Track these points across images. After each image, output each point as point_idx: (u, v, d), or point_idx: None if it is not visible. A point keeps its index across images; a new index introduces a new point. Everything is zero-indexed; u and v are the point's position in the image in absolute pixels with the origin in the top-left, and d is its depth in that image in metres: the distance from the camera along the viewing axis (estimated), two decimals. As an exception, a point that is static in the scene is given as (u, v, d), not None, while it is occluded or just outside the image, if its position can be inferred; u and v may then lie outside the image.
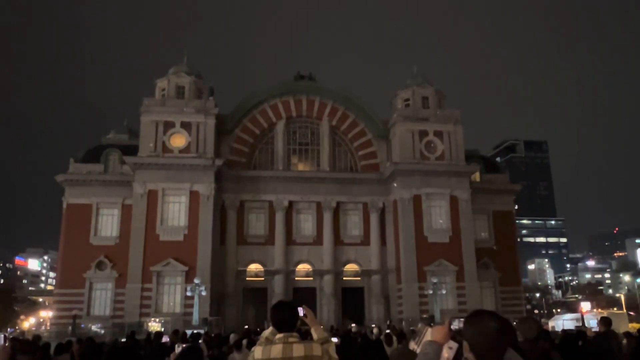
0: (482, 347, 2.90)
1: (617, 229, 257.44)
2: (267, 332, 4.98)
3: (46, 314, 77.90)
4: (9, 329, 74.74)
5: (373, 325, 34.17)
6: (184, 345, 11.97)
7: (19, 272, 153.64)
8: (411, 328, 29.26)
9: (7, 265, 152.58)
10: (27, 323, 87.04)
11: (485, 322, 2.93)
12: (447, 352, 3.07)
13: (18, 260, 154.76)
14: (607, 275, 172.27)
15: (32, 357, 12.61)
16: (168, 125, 48.18)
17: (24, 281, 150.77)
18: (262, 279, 50.09)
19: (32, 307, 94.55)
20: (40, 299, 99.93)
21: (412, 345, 3.28)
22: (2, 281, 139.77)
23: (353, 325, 34.80)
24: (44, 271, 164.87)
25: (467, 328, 2.99)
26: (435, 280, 45.74)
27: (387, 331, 18.53)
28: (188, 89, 50.82)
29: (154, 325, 38.30)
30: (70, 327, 40.87)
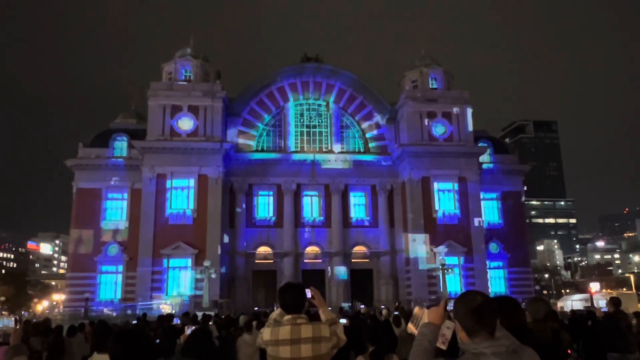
0: (471, 325, 2.97)
1: (627, 209, 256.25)
2: (275, 313, 5.00)
3: (59, 297, 79.03)
4: (23, 312, 75.97)
5: (382, 307, 34.37)
6: (194, 327, 12.08)
7: (31, 256, 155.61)
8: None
9: (20, 249, 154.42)
10: (41, 306, 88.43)
11: (472, 301, 3.01)
12: (446, 331, 3.10)
13: (30, 245, 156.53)
14: (616, 255, 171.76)
15: (44, 339, 12.82)
16: (175, 109, 48.17)
17: (37, 265, 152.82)
18: (272, 261, 50.38)
19: (45, 290, 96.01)
20: (53, 283, 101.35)
21: (411, 328, 3.29)
22: (15, 265, 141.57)
23: (362, 306, 35.01)
24: (55, 255, 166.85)
25: (457, 308, 3.07)
26: (443, 262, 45.79)
27: (396, 313, 18.61)
28: (195, 72, 50.70)
29: (165, 307, 38.72)
30: (82, 310, 41.50)
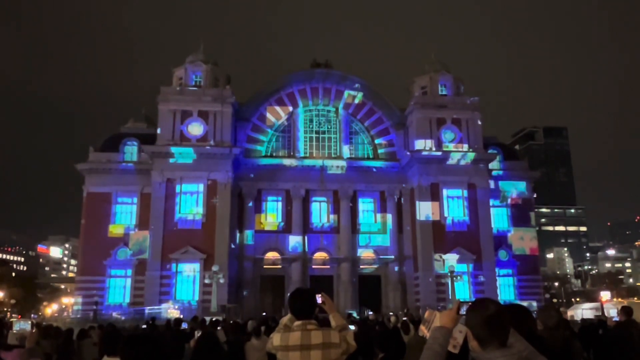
0: (483, 333, 2.96)
1: (638, 217, 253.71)
2: (285, 319, 5.00)
3: (68, 301, 79.39)
4: (32, 315, 76.38)
5: (390, 313, 34.25)
6: (203, 332, 12.08)
7: (41, 260, 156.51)
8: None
9: (30, 252, 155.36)
10: (50, 309, 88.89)
11: (484, 309, 3.00)
12: (458, 335, 3.07)
13: (40, 248, 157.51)
14: (627, 264, 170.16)
15: (54, 342, 12.91)
16: (186, 114, 48.46)
17: (46, 268, 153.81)
18: (280, 266, 50.40)
19: (54, 293, 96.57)
20: (62, 286, 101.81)
21: (423, 331, 3.27)
22: (25, 268, 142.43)
23: (370, 313, 34.88)
24: (65, 258, 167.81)
25: (469, 316, 3.05)
26: (452, 269, 45.55)
27: (404, 319, 18.54)
28: (205, 77, 51.02)
29: (173, 312, 38.80)
30: (91, 313, 41.68)
